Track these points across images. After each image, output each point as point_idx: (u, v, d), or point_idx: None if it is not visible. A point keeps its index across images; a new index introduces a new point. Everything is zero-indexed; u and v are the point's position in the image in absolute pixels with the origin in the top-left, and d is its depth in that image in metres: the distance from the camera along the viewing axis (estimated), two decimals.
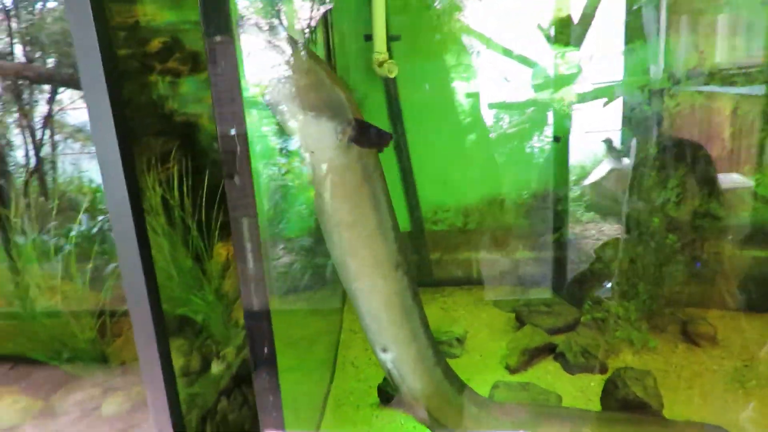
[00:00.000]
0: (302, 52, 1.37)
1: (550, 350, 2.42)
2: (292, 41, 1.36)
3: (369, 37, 2.79)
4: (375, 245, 1.58)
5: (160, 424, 1.53)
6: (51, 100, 3.42)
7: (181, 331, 2.14)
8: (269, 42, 1.28)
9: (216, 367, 2.05)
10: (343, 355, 2.52)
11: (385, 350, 1.70)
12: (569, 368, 2.32)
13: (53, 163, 3.53)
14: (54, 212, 2.66)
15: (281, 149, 3.44)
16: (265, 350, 1.55)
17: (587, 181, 3.52)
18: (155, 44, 2.66)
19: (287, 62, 1.31)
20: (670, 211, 2.55)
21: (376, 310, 1.65)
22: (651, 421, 1.94)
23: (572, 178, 3.15)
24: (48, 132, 3.51)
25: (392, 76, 2.72)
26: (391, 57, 2.84)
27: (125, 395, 1.99)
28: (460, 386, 1.86)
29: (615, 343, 2.42)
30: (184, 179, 2.34)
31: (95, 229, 2.77)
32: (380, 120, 3.09)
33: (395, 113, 3.01)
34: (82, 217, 2.80)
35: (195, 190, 2.35)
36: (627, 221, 2.50)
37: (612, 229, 3.05)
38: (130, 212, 1.40)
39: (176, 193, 2.12)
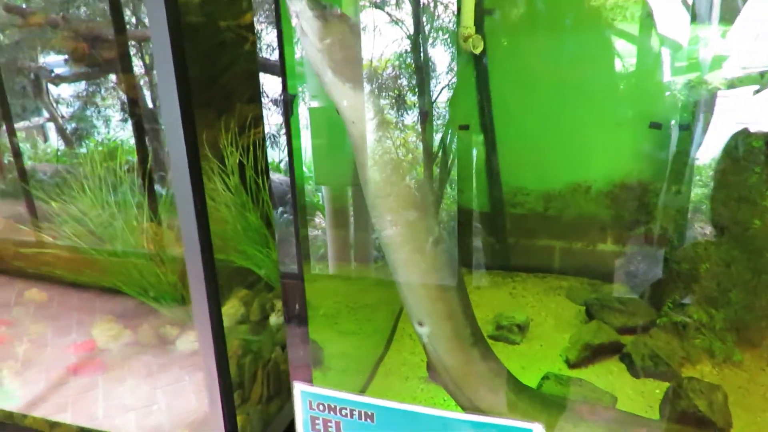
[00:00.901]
0: (346, 25, 1.40)
1: (616, 350, 2.27)
2: (338, 14, 1.39)
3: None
4: (414, 219, 1.59)
5: (207, 363, 1.69)
6: None
7: (245, 282, 2.33)
8: (313, 13, 1.33)
9: (274, 319, 2.22)
10: (402, 327, 2.57)
11: (421, 324, 1.72)
12: (634, 371, 2.17)
13: None
14: None
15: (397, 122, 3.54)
16: (297, 307, 1.65)
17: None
18: (248, 17, 2.84)
19: (331, 34, 1.36)
20: None
21: (413, 284, 1.67)
22: None
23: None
24: None
25: (476, 51, 2.65)
26: (481, 32, 2.76)
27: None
28: (498, 369, 1.83)
29: (693, 351, 2.21)
30: (262, 144, 2.51)
31: None
32: (468, 97, 3.05)
33: (483, 90, 2.94)
34: None
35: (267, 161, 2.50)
36: (719, 220, 2.25)
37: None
38: (187, 170, 1.54)
39: (251, 156, 2.29)
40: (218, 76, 2.81)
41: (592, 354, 2.25)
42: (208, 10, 2.67)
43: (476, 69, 2.88)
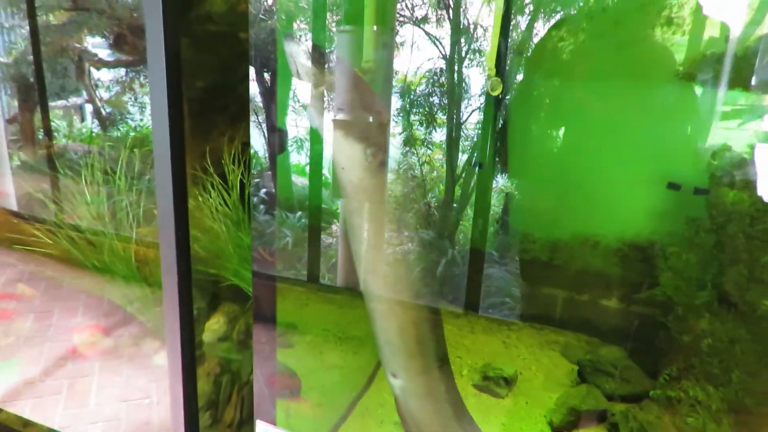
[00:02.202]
0: (343, 75, 1.38)
1: (602, 418, 2.18)
2: (334, 61, 1.37)
3: None
4: (396, 271, 1.55)
5: (174, 387, 1.66)
6: None
7: (233, 299, 2.31)
8: (311, 61, 1.31)
9: None
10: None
11: (395, 376, 1.67)
12: None
13: None
14: None
15: (424, 140, 3.53)
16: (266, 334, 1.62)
17: None
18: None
19: (325, 83, 1.33)
20: None
21: (390, 335, 1.62)
22: None
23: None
24: None
25: (494, 93, 2.61)
26: (504, 75, 2.72)
27: None
28: (471, 428, 1.77)
29: (686, 429, 2.10)
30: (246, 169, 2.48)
31: None
32: (484, 137, 3.00)
33: (500, 132, 2.89)
34: None
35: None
36: (728, 296, 2.14)
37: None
38: (171, 192, 1.49)
39: (248, 174, 2.26)
40: (237, 85, 2.82)
41: (577, 419, 2.16)
42: (230, 20, 2.67)
43: (495, 110, 2.83)
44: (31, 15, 3.90)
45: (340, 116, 1.37)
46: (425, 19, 3.34)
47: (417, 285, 1.58)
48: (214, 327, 2.41)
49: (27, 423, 2.05)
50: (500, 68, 2.65)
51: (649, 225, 2.62)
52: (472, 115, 3.28)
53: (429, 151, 3.50)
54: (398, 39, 3.44)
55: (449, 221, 3.41)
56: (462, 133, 3.32)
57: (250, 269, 2.47)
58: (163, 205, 1.53)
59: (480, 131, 3.09)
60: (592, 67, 2.74)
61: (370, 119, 1.39)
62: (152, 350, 2.22)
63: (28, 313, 2.43)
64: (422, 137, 3.40)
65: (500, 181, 3.15)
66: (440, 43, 3.32)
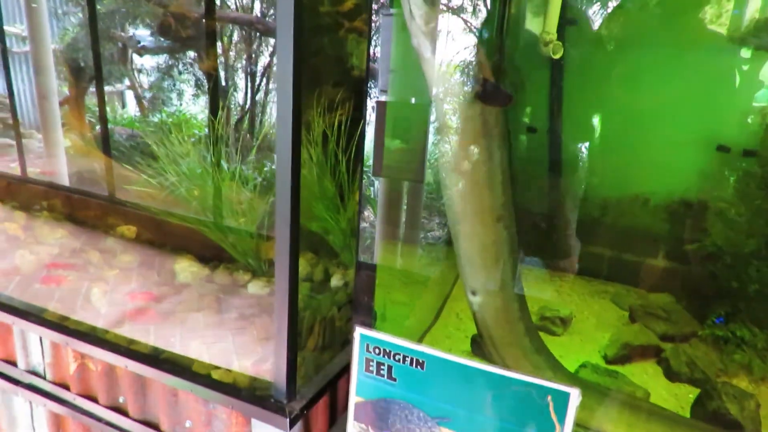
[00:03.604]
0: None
1: (654, 353, 2.36)
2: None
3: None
4: (481, 194, 1.76)
5: (280, 310, 1.90)
6: (273, 53, 3.98)
7: (313, 246, 2.55)
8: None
9: (335, 281, 2.43)
10: (450, 305, 2.73)
11: (474, 293, 1.89)
12: (670, 374, 2.25)
13: (263, 107, 4.16)
14: (255, 149, 3.22)
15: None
16: (369, 259, 1.84)
17: None
18: (348, 4, 3.07)
19: (434, 19, 1.55)
20: None
21: (472, 254, 1.84)
22: None
23: None
24: (265, 80, 4.15)
25: (556, 56, 2.78)
26: (562, 39, 2.89)
27: (267, 282, 2.46)
28: (540, 346, 1.97)
29: (731, 365, 2.27)
30: (345, 125, 2.73)
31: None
32: (540, 101, 3.17)
33: (555, 96, 3.06)
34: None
35: (351, 135, 2.73)
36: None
37: None
38: (290, 143, 1.70)
39: (335, 132, 2.50)
40: (311, 56, 3.04)
41: (629, 353, 2.34)
42: None
43: (552, 74, 3.00)
44: (90, 2, 4.12)
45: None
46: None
47: (499, 209, 1.78)
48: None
49: (131, 341, 2.33)
50: (560, 33, 2.82)
51: (698, 184, 2.78)
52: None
53: None
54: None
55: None
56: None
57: (331, 216, 2.71)
58: (282, 158, 1.75)
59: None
60: (646, 34, 2.90)
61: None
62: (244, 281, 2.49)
63: None
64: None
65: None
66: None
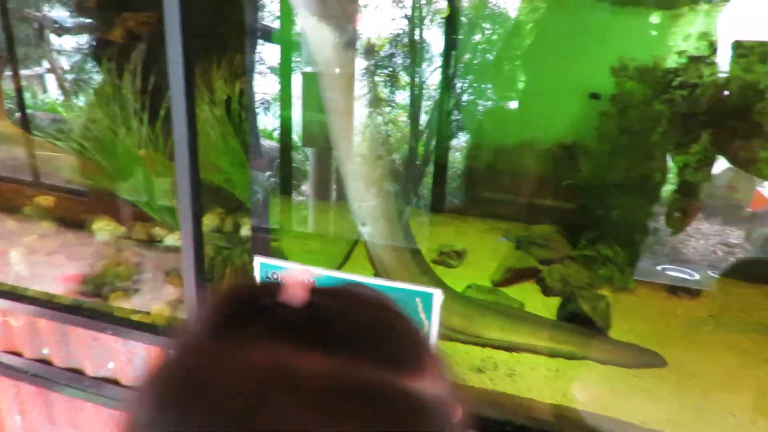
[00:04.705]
0: None
1: (534, 274, 2.70)
2: None
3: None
4: (361, 136, 2.00)
5: (187, 261, 2.07)
6: None
7: (222, 201, 2.73)
8: None
9: (244, 232, 2.62)
10: (358, 250, 2.99)
11: (363, 224, 2.13)
12: (546, 291, 2.60)
13: None
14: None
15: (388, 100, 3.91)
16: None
17: None
18: None
19: None
20: (688, 176, 2.68)
21: (358, 190, 2.08)
22: (590, 334, 2.20)
23: None
24: None
25: (443, 16, 3.04)
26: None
27: None
28: (426, 269, 2.26)
29: (597, 279, 2.65)
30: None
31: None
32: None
33: (448, 49, 3.33)
34: None
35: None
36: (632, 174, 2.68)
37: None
38: (184, 99, 1.84)
39: (236, 93, 2.66)
40: (217, 24, 3.16)
41: (513, 276, 2.68)
42: None
43: (445, 33, 3.26)
44: None
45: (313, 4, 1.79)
46: None
47: (378, 148, 2.03)
48: (207, 223, 2.85)
49: (52, 296, 2.43)
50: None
51: (574, 129, 3.13)
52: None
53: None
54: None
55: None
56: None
57: (237, 170, 2.88)
58: (178, 121, 1.90)
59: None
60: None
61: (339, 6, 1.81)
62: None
63: None
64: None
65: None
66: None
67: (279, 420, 0.30)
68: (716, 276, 2.77)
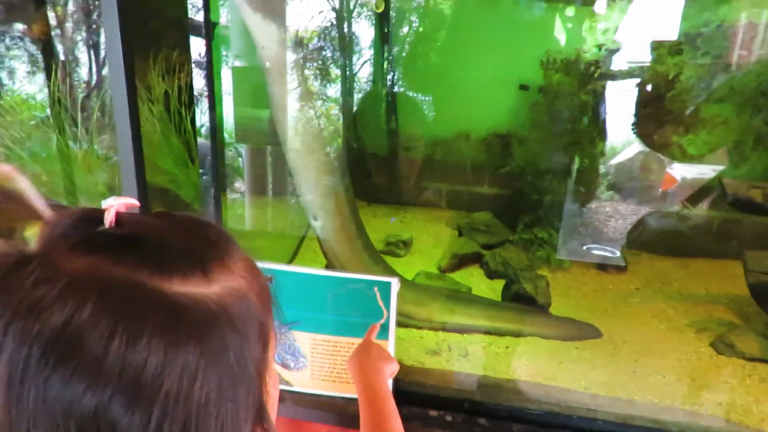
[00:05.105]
0: None
1: (478, 259, 2.83)
2: None
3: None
4: (307, 128, 2.02)
5: None
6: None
7: (167, 203, 2.65)
8: None
9: None
10: (307, 244, 3.00)
11: (315, 218, 2.16)
12: (489, 274, 2.73)
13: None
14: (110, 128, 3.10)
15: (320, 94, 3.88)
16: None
17: (614, 161, 3.76)
18: None
19: None
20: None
21: (309, 183, 2.10)
22: (534, 312, 2.35)
23: None
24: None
25: (378, 11, 3.09)
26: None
27: None
28: (378, 259, 2.31)
29: (535, 261, 2.82)
30: (187, 85, 2.80)
31: None
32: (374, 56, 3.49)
33: (383, 46, 3.39)
34: None
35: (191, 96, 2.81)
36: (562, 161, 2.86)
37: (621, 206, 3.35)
38: (126, 98, 1.79)
39: (176, 91, 2.59)
40: (149, 19, 3.04)
41: (458, 262, 2.79)
42: None
43: (378, 25, 3.32)
44: None
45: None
46: None
47: (324, 139, 2.05)
48: None
49: None
50: None
51: (506, 119, 3.29)
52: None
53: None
54: None
55: None
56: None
57: (180, 170, 2.80)
58: (121, 119, 1.84)
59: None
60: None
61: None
62: None
63: None
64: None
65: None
66: None
67: (39, 295, 0.38)
68: (637, 252, 3.01)
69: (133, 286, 0.40)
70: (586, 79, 2.87)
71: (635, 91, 2.85)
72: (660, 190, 3.33)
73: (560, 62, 2.84)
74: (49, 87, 2.91)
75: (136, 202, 0.48)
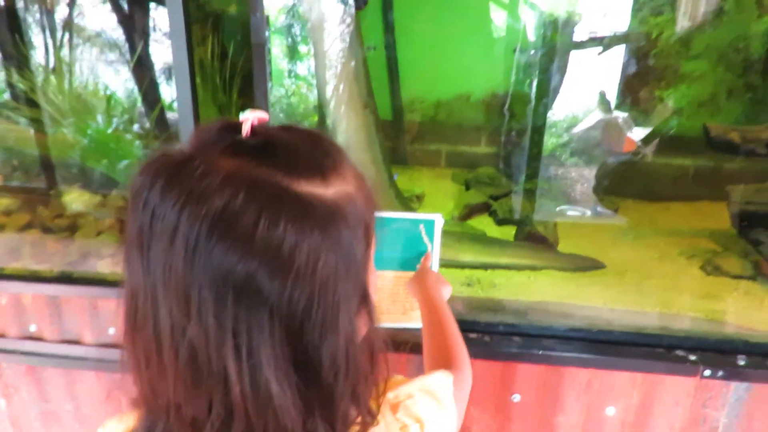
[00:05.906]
0: None
1: (486, 208, 3.09)
2: None
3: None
4: (350, 87, 2.20)
5: None
6: (72, 3, 3.50)
7: None
8: None
9: None
10: None
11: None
12: (498, 221, 2.99)
13: (70, 66, 3.66)
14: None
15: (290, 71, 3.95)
16: None
17: (576, 129, 4.05)
18: None
19: None
20: None
21: (348, 137, 2.29)
22: (545, 249, 2.63)
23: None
24: (67, 35, 3.59)
25: None
26: None
27: None
28: (408, 208, 2.54)
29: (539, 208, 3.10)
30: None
31: (110, 130, 2.98)
32: (373, 12, 3.61)
33: (387, 7, 3.53)
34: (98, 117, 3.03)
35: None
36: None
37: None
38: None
39: (209, 58, 2.70)
40: None
41: (470, 211, 3.04)
42: None
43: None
44: None
45: None
46: None
47: (365, 98, 2.24)
48: None
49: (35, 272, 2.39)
50: None
51: (503, 80, 3.53)
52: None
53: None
54: None
55: None
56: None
57: None
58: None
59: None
60: None
61: None
62: None
63: None
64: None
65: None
66: None
67: (204, 185, 0.46)
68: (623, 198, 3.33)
69: (272, 184, 0.47)
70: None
71: (622, 49, 3.14)
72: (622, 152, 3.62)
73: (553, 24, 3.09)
74: None
75: (266, 116, 0.54)
